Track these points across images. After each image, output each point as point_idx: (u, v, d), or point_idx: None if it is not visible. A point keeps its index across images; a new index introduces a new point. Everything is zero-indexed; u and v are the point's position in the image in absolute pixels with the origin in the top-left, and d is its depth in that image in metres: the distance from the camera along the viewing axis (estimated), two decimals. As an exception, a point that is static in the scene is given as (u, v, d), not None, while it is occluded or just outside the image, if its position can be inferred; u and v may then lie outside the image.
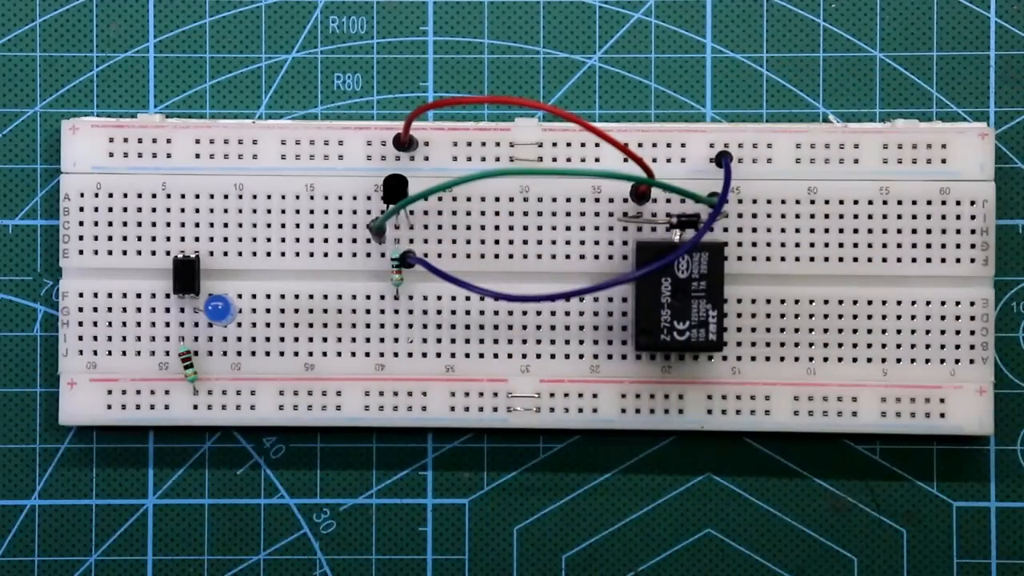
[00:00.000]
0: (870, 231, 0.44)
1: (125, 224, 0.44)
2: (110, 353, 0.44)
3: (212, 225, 0.44)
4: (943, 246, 0.44)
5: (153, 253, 0.44)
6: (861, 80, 0.46)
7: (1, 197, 0.45)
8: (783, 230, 0.44)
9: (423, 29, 0.46)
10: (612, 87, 0.46)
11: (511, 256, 0.44)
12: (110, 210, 0.44)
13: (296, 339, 0.44)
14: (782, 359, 0.44)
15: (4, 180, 0.45)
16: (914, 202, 0.44)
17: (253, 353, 0.44)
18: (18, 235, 0.45)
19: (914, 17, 0.46)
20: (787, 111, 0.46)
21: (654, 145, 0.44)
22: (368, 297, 0.44)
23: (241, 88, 0.46)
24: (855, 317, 0.44)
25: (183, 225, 0.44)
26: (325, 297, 0.44)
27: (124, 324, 0.44)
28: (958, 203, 0.43)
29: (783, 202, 0.44)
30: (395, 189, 0.43)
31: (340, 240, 0.44)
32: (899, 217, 0.44)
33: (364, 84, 0.46)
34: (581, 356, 0.44)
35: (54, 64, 0.46)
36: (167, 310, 0.44)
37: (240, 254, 0.44)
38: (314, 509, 0.45)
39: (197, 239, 0.44)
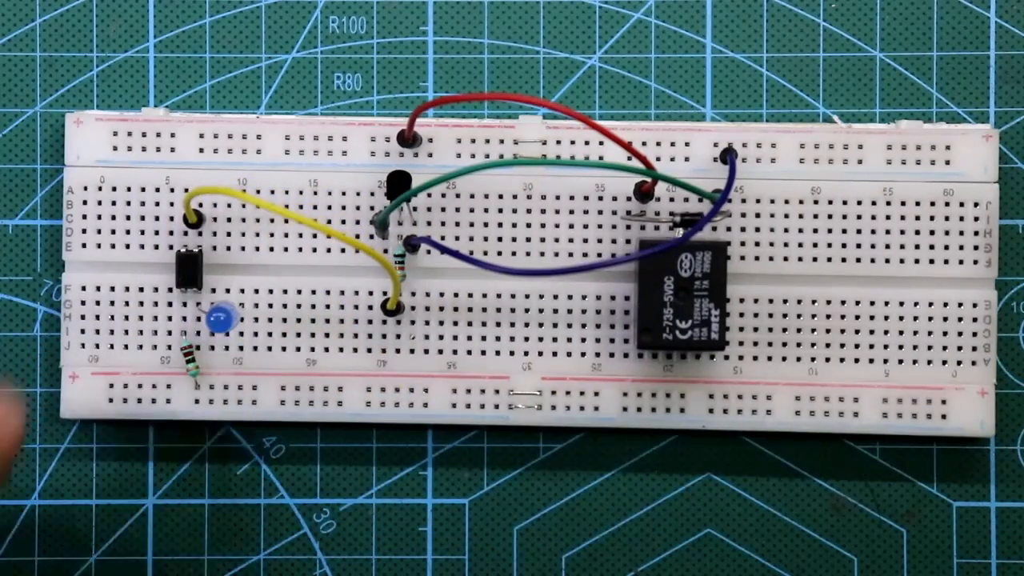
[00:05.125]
0: (873, 232, 0.44)
1: (128, 218, 0.44)
2: (112, 347, 0.44)
3: (215, 219, 0.44)
4: (946, 247, 0.44)
5: (156, 247, 0.44)
6: (861, 80, 0.46)
7: (1, 197, 0.45)
8: (786, 230, 0.44)
9: (423, 29, 0.46)
10: (612, 87, 0.46)
11: (514, 253, 0.44)
12: (113, 204, 0.44)
13: (298, 334, 0.44)
14: (784, 359, 0.44)
15: (4, 180, 0.45)
16: (917, 203, 0.44)
17: (255, 348, 0.44)
18: (18, 235, 0.45)
19: (914, 17, 0.46)
20: (787, 111, 0.46)
21: (658, 144, 0.44)
22: (371, 293, 0.44)
23: (241, 88, 0.46)
24: (857, 318, 0.44)
25: (186, 219, 0.44)
26: (327, 293, 0.44)
27: (126, 318, 0.44)
28: (961, 205, 0.44)
29: (786, 202, 0.44)
30: (399, 185, 0.43)
31: (343, 236, 0.44)
32: (902, 218, 0.44)
33: (364, 84, 0.46)
34: (583, 354, 0.44)
35: (54, 64, 0.46)
36: (169, 304, 0.44)
37: (243, 249, 0.44)
38: (314, 509, 0.45)
39: (200, 233, 0.44)
